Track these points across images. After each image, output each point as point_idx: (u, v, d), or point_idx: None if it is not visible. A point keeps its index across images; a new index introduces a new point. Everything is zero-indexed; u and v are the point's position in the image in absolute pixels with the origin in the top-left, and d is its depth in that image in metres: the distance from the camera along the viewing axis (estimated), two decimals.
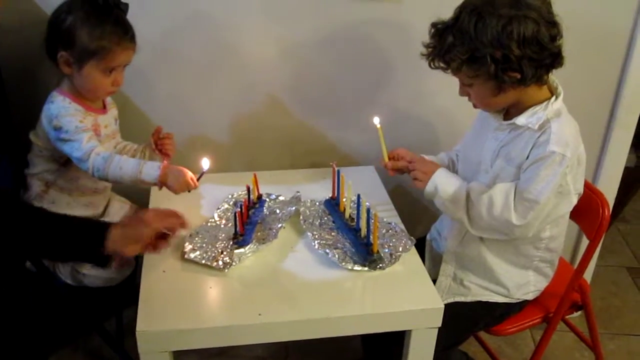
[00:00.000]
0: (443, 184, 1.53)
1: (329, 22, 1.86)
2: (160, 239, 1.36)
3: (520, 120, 1.46)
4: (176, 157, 1.75)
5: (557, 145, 1.40)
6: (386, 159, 1.64)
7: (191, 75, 1.90)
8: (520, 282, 1.64)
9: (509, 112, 1.53)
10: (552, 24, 1.36)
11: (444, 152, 1.81)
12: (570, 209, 1.51)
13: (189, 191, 1.57)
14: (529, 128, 1.45)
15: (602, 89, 2.01)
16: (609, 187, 2.11)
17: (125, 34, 1.54)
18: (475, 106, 1.53)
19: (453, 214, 1.54)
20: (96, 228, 1.30)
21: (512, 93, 1.43)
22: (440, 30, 1.40)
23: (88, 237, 1.29)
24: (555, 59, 1.39)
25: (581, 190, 1.51)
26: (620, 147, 2.09)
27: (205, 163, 1.59)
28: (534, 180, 1.42)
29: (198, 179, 1.59)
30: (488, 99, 1.46)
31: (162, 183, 1.54)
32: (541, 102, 1.46)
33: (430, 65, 1.46)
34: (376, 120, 1.65)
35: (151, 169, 1.53)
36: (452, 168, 1.74)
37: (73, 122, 1.54)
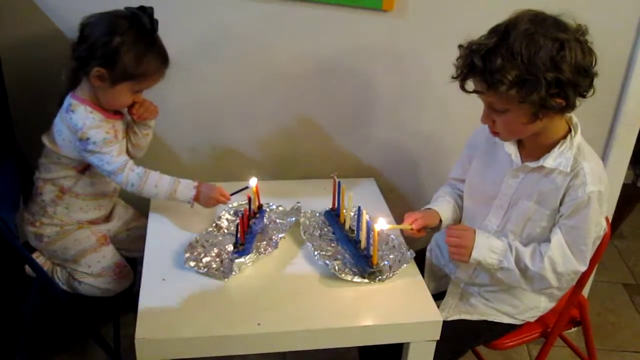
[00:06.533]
0: (485, 257, 1.47)
1: (349, 40, 1.86)
2: None
3: (549, 162, 1.41)
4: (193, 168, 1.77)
5: (594, 185, 1.40)
6: (408, 227, 1.55)
7: (207, 88, 1.90)
8: (530, 305, 1.63)
9: (523, 144, 1.49)
10: (591, 51, 1.32)
11: (448, 187, 1.73)
12: (601, 232, 1.50)
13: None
14: (560, 171, 1.42)
15: (602, 106, 2.02)
16: (608, 204, 2.11)
17: (165, 62, 1.56)
18: (494, 134, 1.44)
19: (506, 281, 1.51)
20: None
21: (544, 122, 1.35)
22: (481, 51, 1.29)
23: None
24: (590, 87, 1.34)
25: (606, 210, 1.50)
26: (619, 164, 2.10)
27: (253, 182, 1.64)
28: (586, 225, 1.42)
29: (233, 193, 1.66)
30: (518, 127, 1.37)
31: (194, 202, 1.62)
32: (561, 136, 1.42)
33: (462, 88, 1.37)
34: (383, 224, 1.50)
35: (186, 189, 1.61)
36: (459, 211, 1.68)
37: (101, 134, 1.54)
